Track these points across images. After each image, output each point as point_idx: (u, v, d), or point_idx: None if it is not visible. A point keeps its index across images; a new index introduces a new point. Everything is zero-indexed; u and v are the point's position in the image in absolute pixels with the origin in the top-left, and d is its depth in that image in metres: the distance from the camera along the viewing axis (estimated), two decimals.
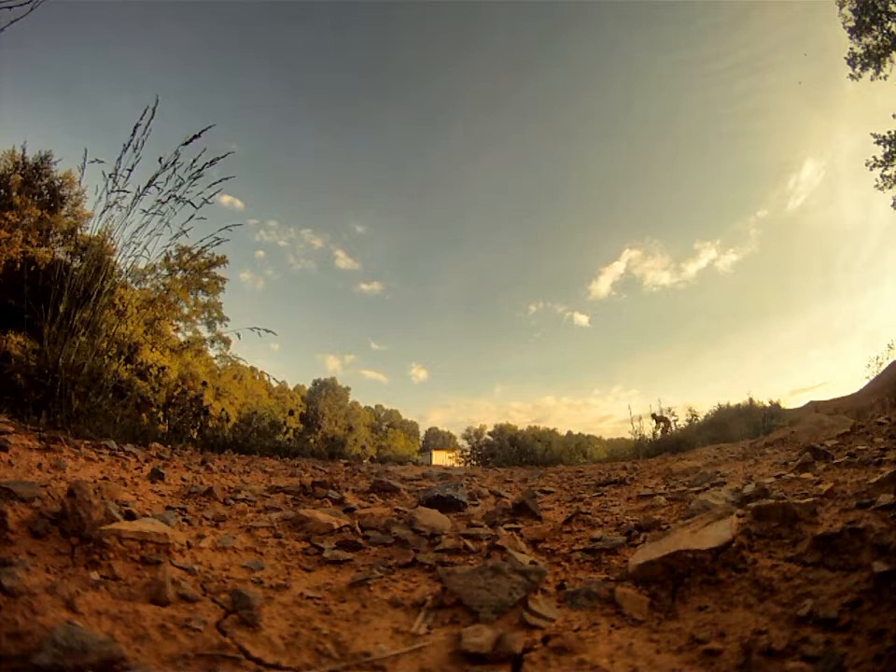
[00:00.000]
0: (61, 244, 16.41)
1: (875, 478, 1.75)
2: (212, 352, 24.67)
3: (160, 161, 3.95)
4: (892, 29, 13.09)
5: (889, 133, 13.25)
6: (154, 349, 16.84)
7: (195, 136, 3.96)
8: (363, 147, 69.40)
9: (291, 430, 9.12)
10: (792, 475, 2.44)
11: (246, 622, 1.09)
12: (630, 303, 63.40)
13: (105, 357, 3.85)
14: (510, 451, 11.32)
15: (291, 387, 44.55)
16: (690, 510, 2.01)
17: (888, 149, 13.35)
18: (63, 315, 3.46)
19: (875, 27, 13.22)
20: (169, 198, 4.00)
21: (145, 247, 3.96)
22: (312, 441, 9.14)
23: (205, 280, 22.23)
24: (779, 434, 6.06)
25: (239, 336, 5.19)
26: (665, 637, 1.04)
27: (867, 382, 10.34)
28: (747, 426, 8.12)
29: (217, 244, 4.42)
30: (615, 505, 2.78)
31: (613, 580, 1.38)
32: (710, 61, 59.54)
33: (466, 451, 13.76)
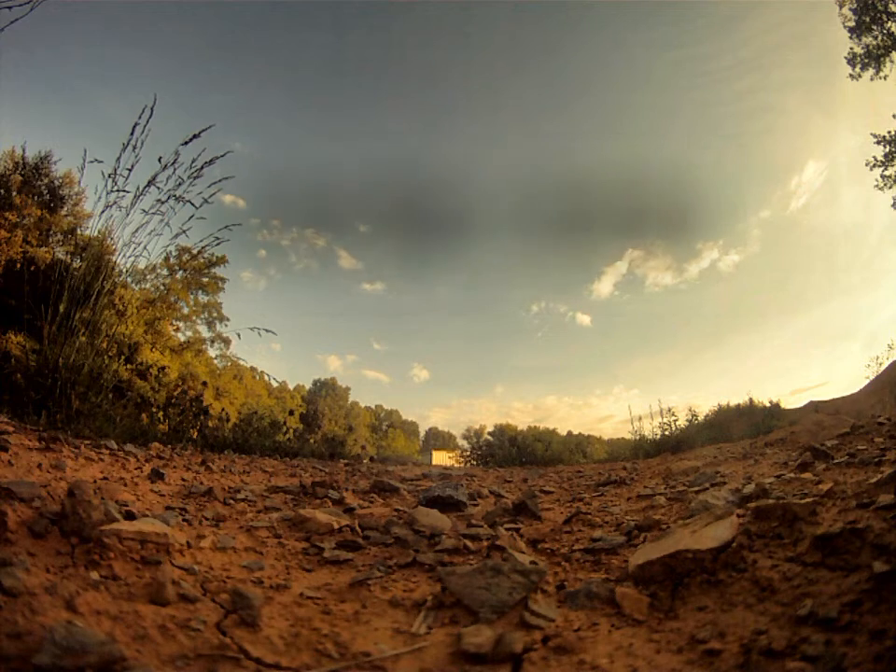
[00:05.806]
0: (61, 244, 16.37)
1: (874, 478, 1.75)
2: (212, 352, 24.67)
3: (159, 160, 3.95)
4: (892, 29, 13.09)
5: (888, 132, 13.26)
6: (154, 349, 16.82)
7: (195, 136, 3.96)
8: (365, 146, 69.47)
9: (291, 430, 9.10)
10: (792, 475, 2.44)
11: (246, 622, 1.09)
12: (632, 303, 63.26)
13: (105, 356, 3.85)
14: (510, 451, 11.32)
15: (291, 387, 44.52)
16: (690, 510, 2.01)
17: (887, 149, 13.36)
18: (63, 315, 3.46)
19: (874, 27, 13.23)
20: (169, 198, 4.00)
21: (145, 247, 3.97)
22: (312, 440, 9.14)
23: (205, 280, 22.21)
24: (779, 434, 6.07)
25: (239, 336, 5.22)
26: (665, 636, 1.04)
27: (867, 382, 10.36)
28: (747, 426, 8.12)
29: (217, 243, 4.43)
30: (615, 505, 2.77)
31: (613, 580, 1.38)
32: (711, 59, 59.44)
33: (466, 451, 13.75)
